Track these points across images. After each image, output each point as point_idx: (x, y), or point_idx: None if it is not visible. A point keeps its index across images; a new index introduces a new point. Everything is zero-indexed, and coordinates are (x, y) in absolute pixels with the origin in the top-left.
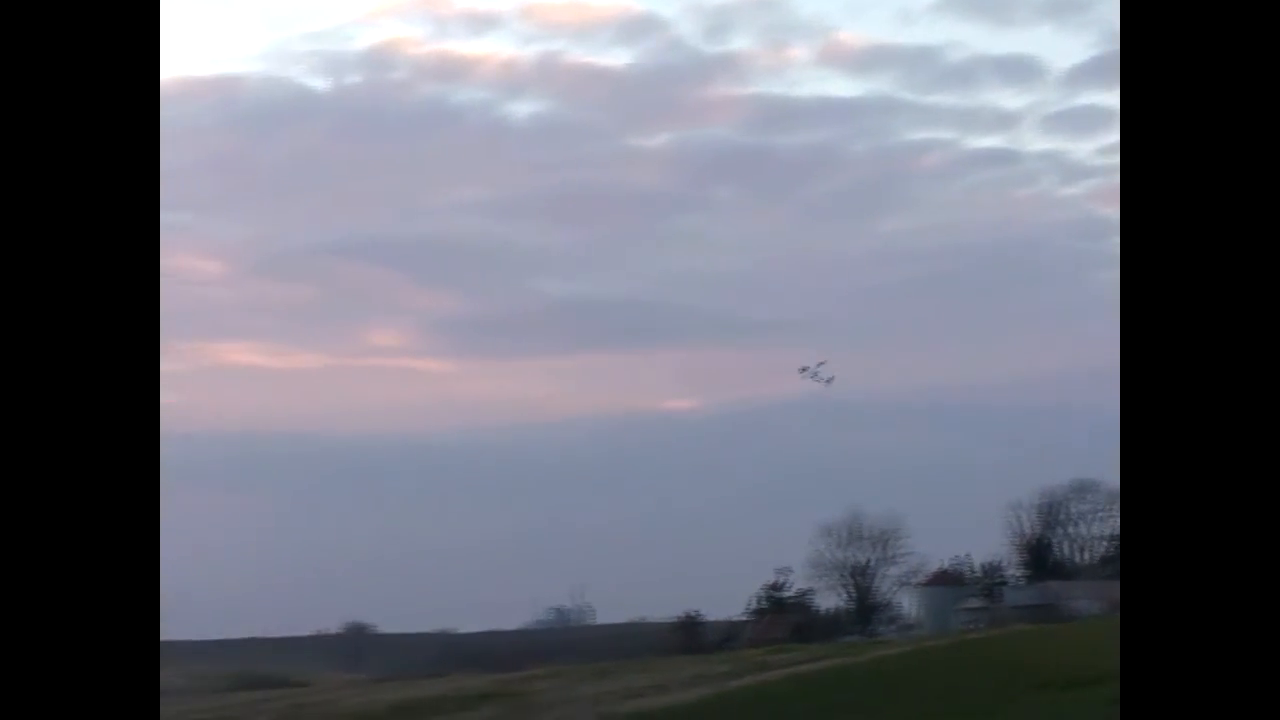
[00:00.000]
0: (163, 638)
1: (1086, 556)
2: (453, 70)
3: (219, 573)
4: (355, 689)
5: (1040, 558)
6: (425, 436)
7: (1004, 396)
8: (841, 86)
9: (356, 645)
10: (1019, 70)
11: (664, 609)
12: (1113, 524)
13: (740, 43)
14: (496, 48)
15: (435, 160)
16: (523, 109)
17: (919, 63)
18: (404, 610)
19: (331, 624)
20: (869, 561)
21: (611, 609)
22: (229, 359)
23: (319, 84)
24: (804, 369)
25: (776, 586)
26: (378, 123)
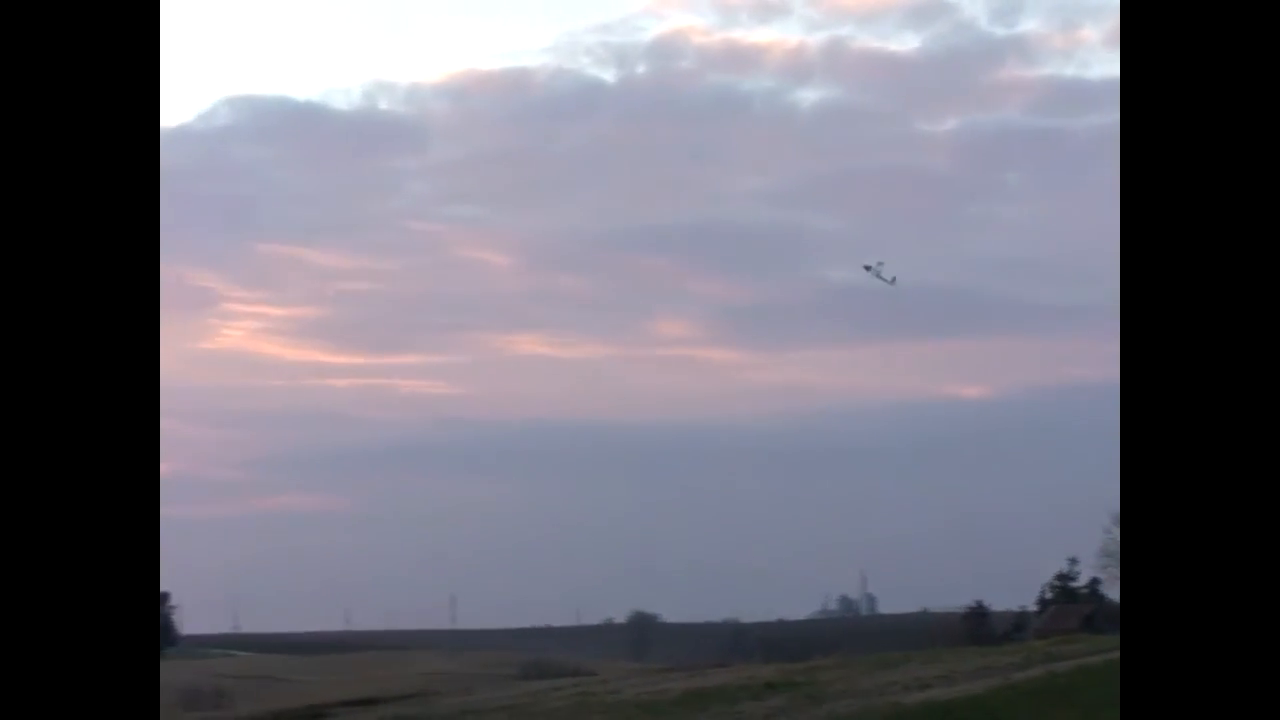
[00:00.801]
0: (162, 637)
1: None
2: (740, 59)
3: (509, 563)
4: (641, 678)
5: None
6: (711, 425)
7: None
8: None
9: (642, 634)
10: None
11: (949, 599)
12: None
13: (1030, 24)
14: (783, 35)
15: (722, 149)
16: (810, 96)
17: None
18: (689, 600)
19: (618, 614)
20: None
21: (896, 598)
22: (517, 349)
23: (607, 75)
24: (868, 267)
25: (1066, 576)
26: (665, 112)
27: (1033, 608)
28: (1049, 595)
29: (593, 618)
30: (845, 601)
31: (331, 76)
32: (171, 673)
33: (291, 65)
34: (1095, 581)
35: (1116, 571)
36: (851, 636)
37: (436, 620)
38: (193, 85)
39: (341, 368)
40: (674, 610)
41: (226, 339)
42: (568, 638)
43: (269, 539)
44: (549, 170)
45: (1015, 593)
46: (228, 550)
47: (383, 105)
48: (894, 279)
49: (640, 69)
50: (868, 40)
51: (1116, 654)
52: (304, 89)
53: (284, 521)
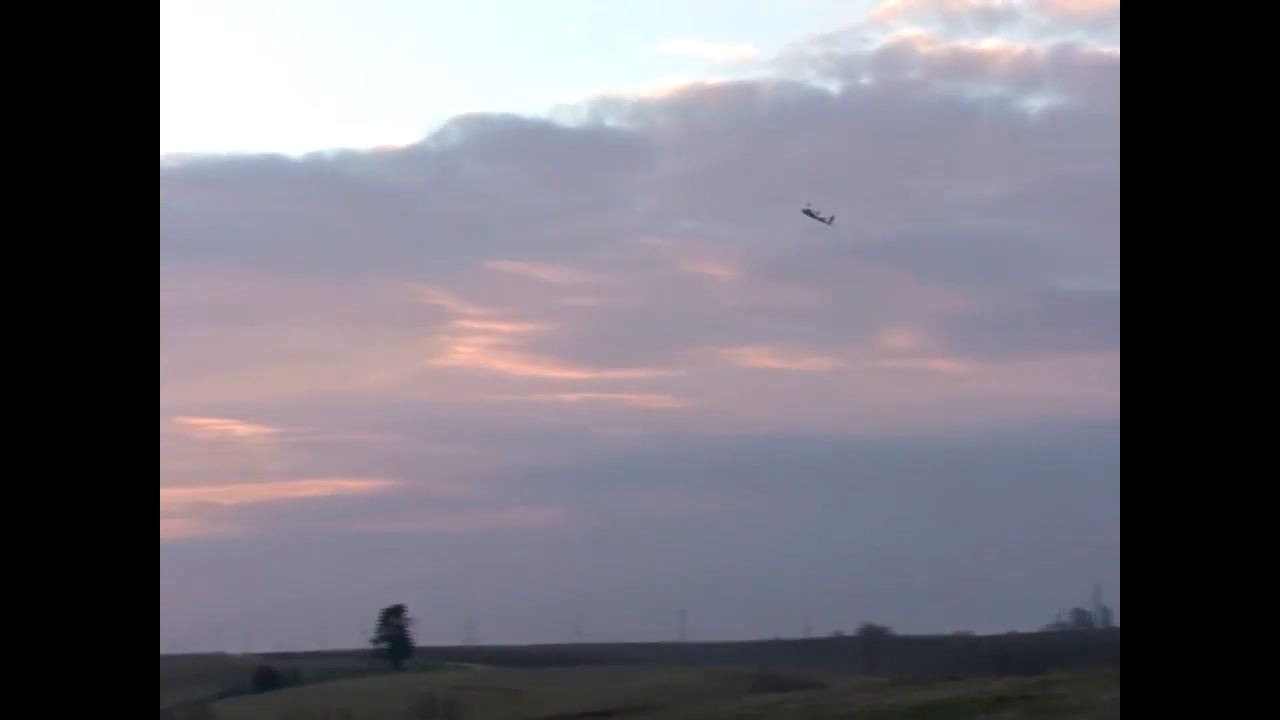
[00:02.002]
0: (161, 637)
1: None
2: (966, 67)
3: (738, 575)
4: (871, 691)
5: None
6: (939, 437)
7: None
8: None
9: (872, 647)
10: None
11: None
12: None
13: None
14: (1010, 42)
15: (949, 158)
16: (1038, 103)
17: None
18: (920, 613)
19: (847, 626)
20: None
21: None
22: (743, 363)
23: (832, 87)
24: (807, 211)
25: None
26: (891, 123)
27: None
28: None
29: (822, 631)
30: (1079, 614)
31: (559, 94)
32: (407, 684)
33: (520, 84)
34: None
35: None
36: (1086, 650)
37: (666, 633)
38: (424, 105)
39: (570, 383)
40: (904, 623)
41: (458, 355)
42: (797, 651)
43: (501, 553)
44: (774, 183)
45: None
46: (461, 564)
47: (609, 122)
48: (831, 219)
49: (865, 80)
50: (1097, 45)
51: None
52: (532, 107)
53: (515, 535)
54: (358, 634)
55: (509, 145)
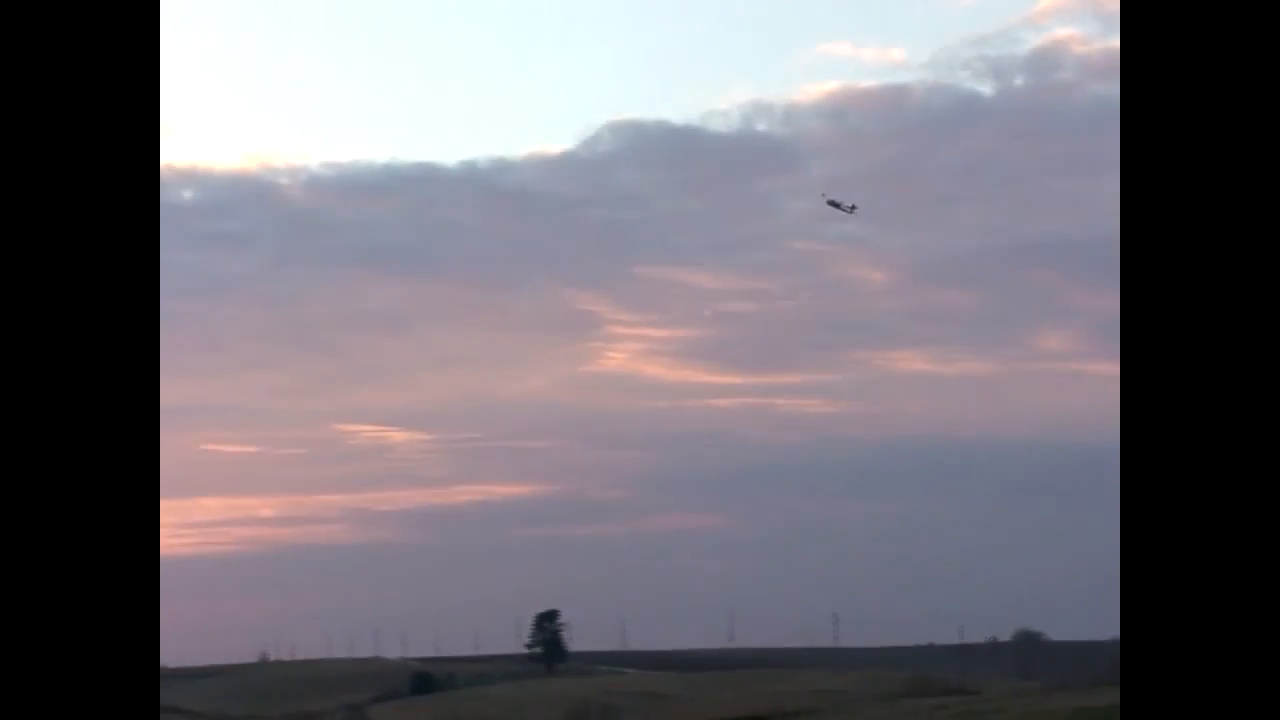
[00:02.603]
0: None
1: None
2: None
3: (891, 580)
4: (1027, 696)
5: None
6: (1094, 440)
7: None
8: None
9: (1027, 652)
10: None
11: None
12: None
13: None
14: None
15: (1106, 159)
16: None
17: None
18: (1076, 617)
19: (1002, 632)
20: None
21: None
22: (897, 367)
23: (985, 88)
24: (834, 203)
25: None
26: (1044, 124)
27: None
28: None
29: (976, 636)
30: None
31: (710, 100)
32: (561, 688)
33: (671, 90)
34: None
35: None
36: None
37: (819, 638)
38: (577, 112)
39: (722, 387)
40: (1061, 628)
41: (610, 361)
42: (951, 656)
43: (654, 557)
44: (927, 185)
45: None
46: (614, 568)
47: (760, 126)
48: (853, 207)
49: (1019, 81)
50: None
51: None
52: (684, 113)
53: (668, 540)
54: (512, 638)
55: (661, 151)
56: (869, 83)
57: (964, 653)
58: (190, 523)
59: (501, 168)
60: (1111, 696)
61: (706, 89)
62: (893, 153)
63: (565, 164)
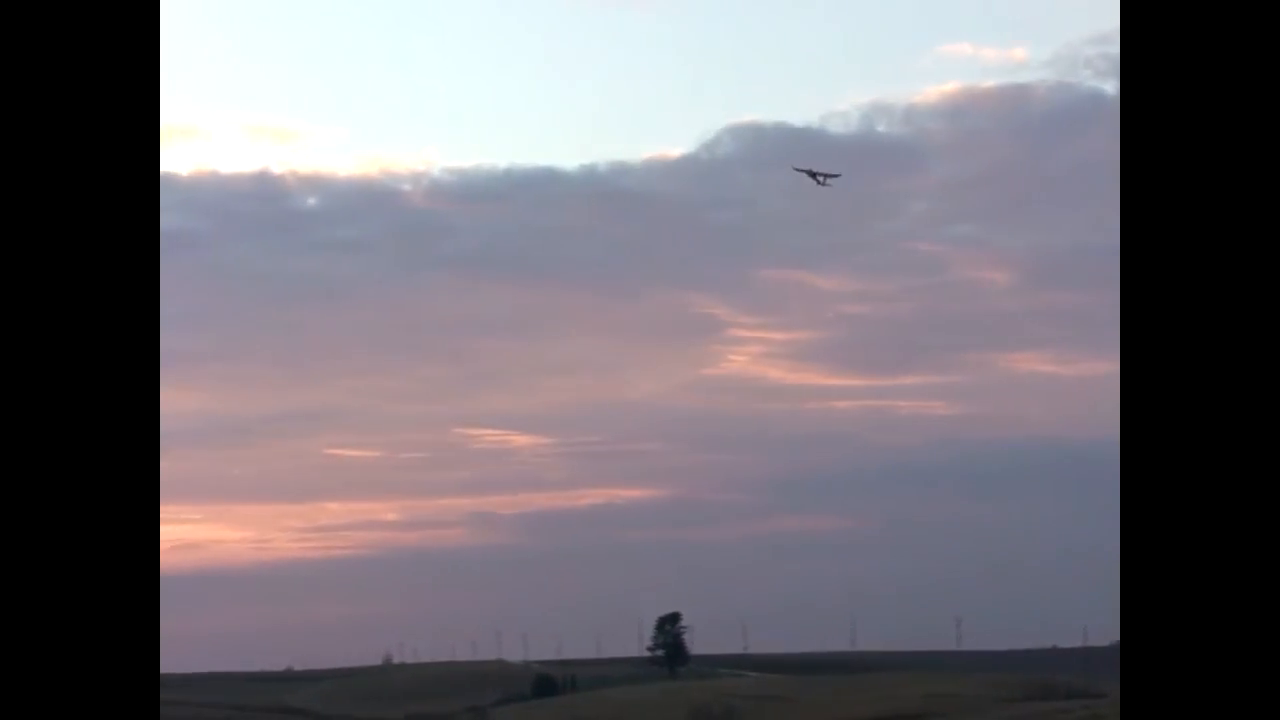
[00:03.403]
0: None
1: None
2: None
3: (1014, 583)
4: None
5: None
6: None
7: None
8: None
9: None
10: None
11: None
12: None
13: None
14: None
15: None
16: None
17: None
18: None
19: None
20: None
21: None
22: (1018, 368)
23: (1108, 86)
24: (814, 176)
25: None
26: None
27: None
28: None
29: (1100, 639)
30: None
31: (829, 102)
32: (682, 692)
33: (790, 92)
34: None
35: None
36: None
37: (942, 641)
38: (696, 116)
39: (843, 390)
40: None
41: (731, 364)
42: (1075, 659)
43: (775, 560)
44: (1049, 185)
45: None
46: (734, 572)
47: (880, 128)
48: (826, 178)
49: None
50: None
51: None
52: (803, 115)
53: (789, 542)
54: (634, 641)
55: (780, 153)
56: (989, 83)
57: (1088, 656)
58: (315, 527)
59: (621, 171)
60: None
61: (826, 91)
62: (1013, 152)
63: (685, 167)
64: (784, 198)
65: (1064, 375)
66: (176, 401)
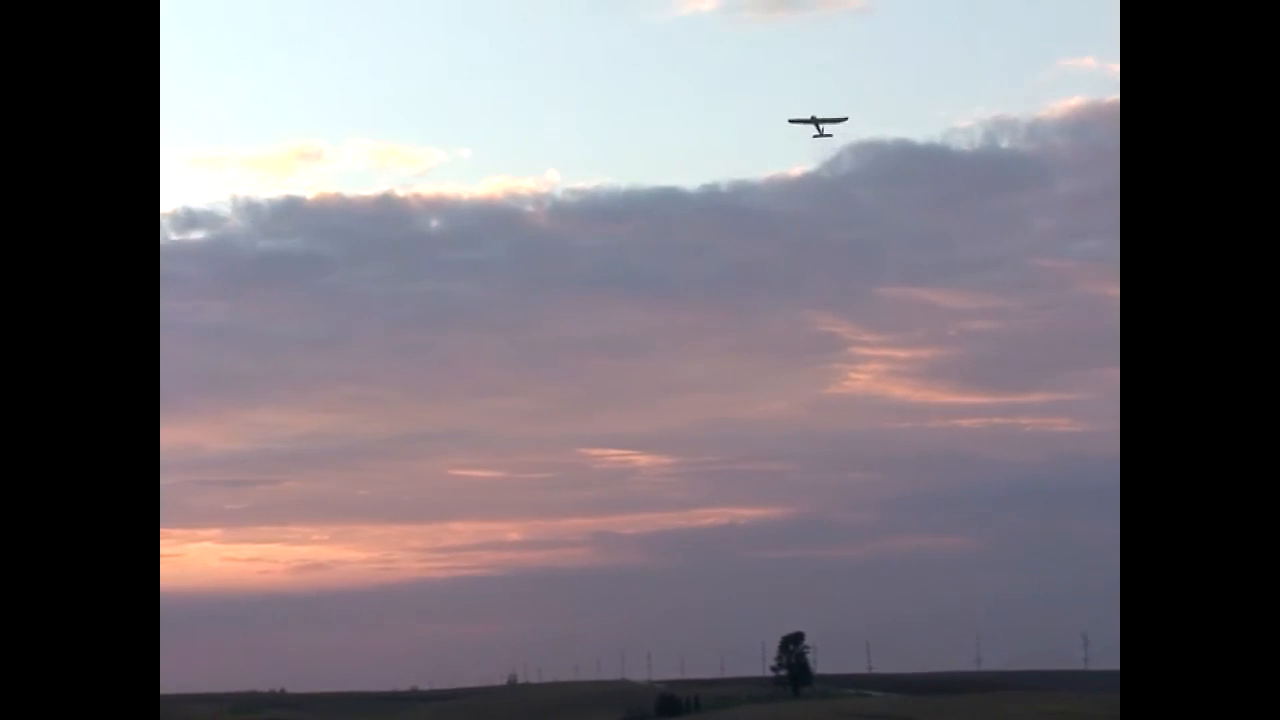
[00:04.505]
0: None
1: None
2: None
3: None
4: None
5: None
6: None
7: None
8: None
9: None
10: None
11: None
12: None
13: None
14: None
15: None
16: None
17: None
18: None
19: None
20: None
21: None
22: None
23: None
24: (813, 126)
25: None
26: None
27: None
28: None
29: None
30: None
31: (951, 118)
32: (806, 711)
33: (912, 109)
34: None
35: None
36: None
37: (1069, 660)
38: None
39: (968, 407)
40: None
41: (853, 383)
42: None
43: (899, 579)
44: None
45: None
46: (858, 591)
47: (1004, 144)
48: (824, 128)
49: None
50: None
51: None
52: (925, 132)
53: (913, 561)
54: (757, 661)
55: (902, 171)
56: (1113, 97)
57: None
58: (440, 547)
59: (742, 190)
60: None
61: (948, 107)
62: None
63: (806, 185)
64: (906, 215)
65: None
66: (303, 424)
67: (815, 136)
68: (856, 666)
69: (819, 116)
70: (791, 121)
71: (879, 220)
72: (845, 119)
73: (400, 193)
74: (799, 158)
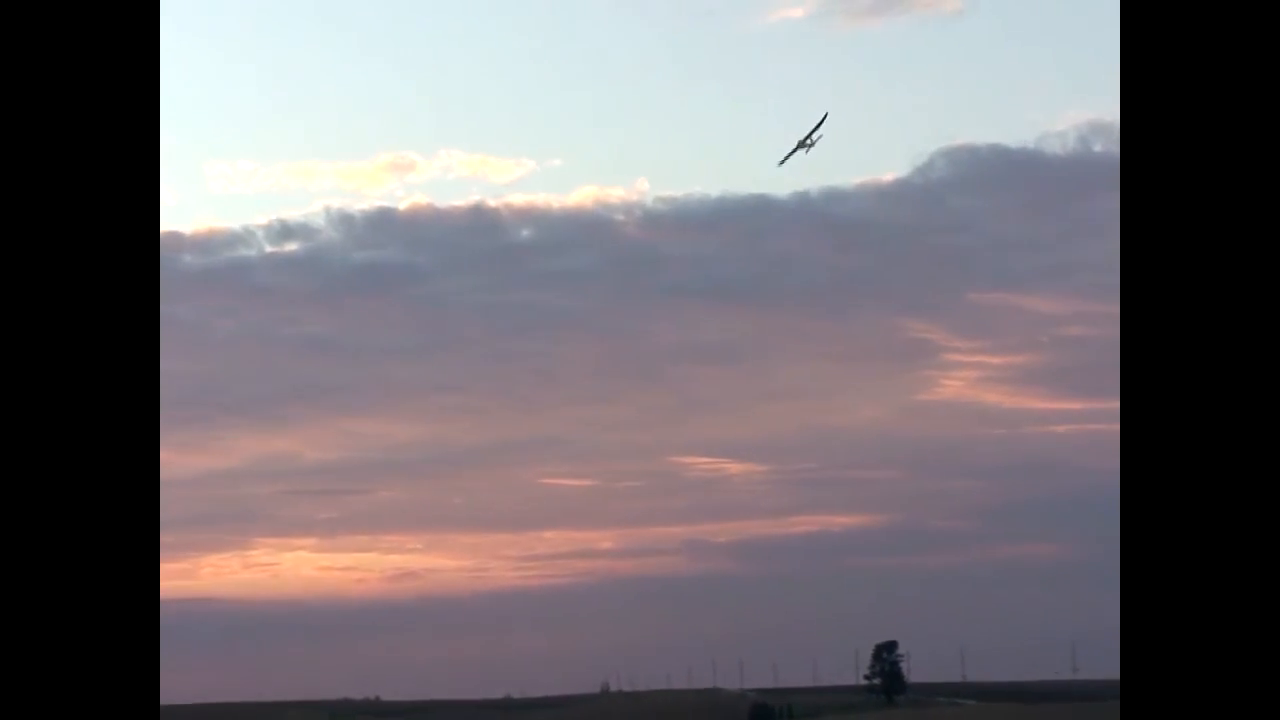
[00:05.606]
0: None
1: None
2: None
3: None
4: None
5: None
6: None
7: None
8: None
9: None
10: None
11: None
12: None
13: None
14: None
15: None
16: None
17: None
18: None
19: None
20: None
21: None
22: None
23: None
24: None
25: None
26: None
27: None
28: None
29: None
30: None
31: (1045, 122)
32: (897, 719)
33: (1005, 113)
34: None
35: None
36: None
37: None
38: (909, 139)
39: (1061, 414)
40: None
41: (946, 389)
42: None
43: (993, 587)
44: None
45: None
46: (952, 599)
47: (1098, 148)
48: (812, 141)
49: None
50: None
51: None
52: (1018, 136)
53: (1008, 569)
54: (851, 669)
55: (995, 175)
56: None
57: None
58: (532, 555)
59: (834, 197)
60: None
61: (1041, 111)
62: None
63: (898, 191)
64: (998, 220)
65: None
66: (396, 433)
67: (807, 151)
68: (950, 675)
69: (802, 137)
70: (781, 164)
71: (971, 225)
72: (826, 115)
73: (492, 203)
74: (891, 163)
